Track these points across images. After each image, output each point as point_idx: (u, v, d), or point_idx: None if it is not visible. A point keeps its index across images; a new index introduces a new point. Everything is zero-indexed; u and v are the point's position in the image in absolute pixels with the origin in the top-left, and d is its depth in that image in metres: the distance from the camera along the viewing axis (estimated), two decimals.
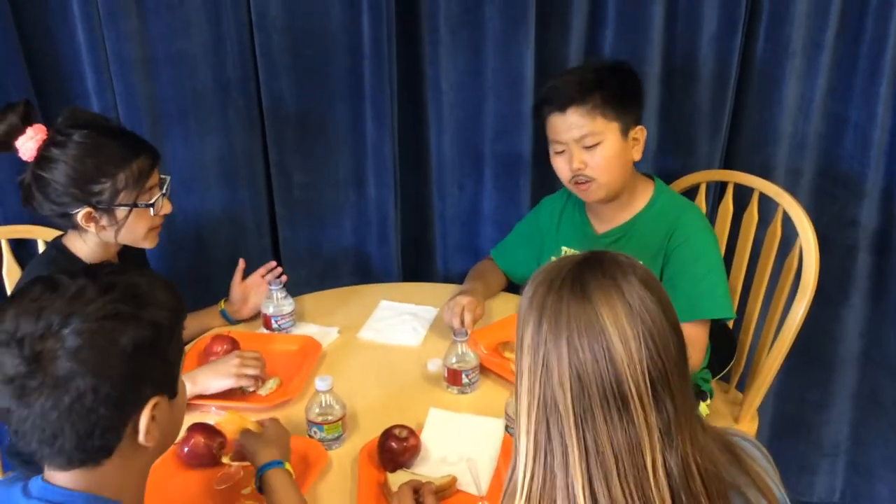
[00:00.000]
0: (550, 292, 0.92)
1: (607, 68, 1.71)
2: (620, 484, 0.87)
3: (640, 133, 1.71)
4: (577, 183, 1.72)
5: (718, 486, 0.92)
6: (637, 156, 1.73)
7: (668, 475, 0.88)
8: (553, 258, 1.01)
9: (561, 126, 1.68)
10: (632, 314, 0.89)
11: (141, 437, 0.97)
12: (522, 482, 0.92)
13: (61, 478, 0.96)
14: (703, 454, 0.91)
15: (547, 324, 0.91)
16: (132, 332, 0.93)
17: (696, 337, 1.66)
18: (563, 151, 1.71)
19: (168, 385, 1.01)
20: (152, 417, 0.97)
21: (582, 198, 1.78)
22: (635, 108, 1.72)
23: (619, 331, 0.88)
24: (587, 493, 0.88)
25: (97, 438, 0.93)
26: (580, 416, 0.88)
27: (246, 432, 1.38)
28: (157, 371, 0.98)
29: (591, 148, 1.67)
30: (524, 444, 0.92)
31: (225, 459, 1.40)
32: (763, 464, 1.00)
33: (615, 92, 1.66)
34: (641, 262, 0.96)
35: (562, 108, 1.67)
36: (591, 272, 0.92)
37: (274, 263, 1.91)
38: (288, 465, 1.30)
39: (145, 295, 0.97)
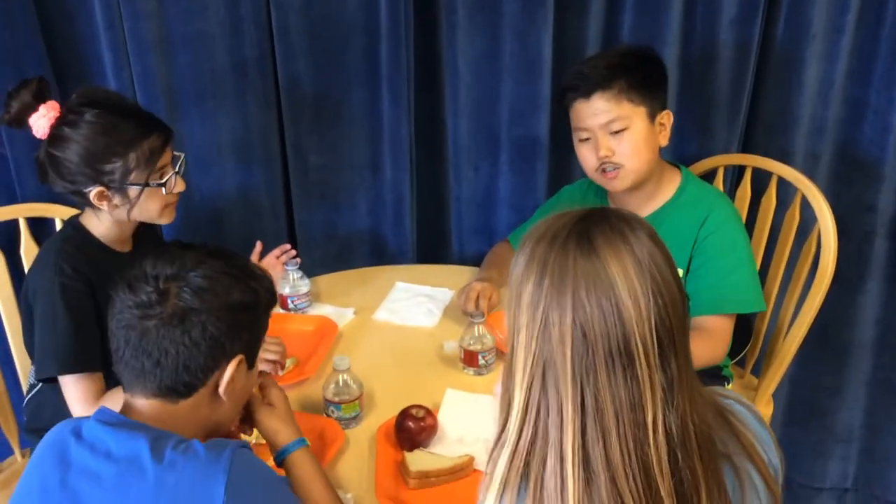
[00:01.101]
0: (553, 247, 0.89)
1: (632, 53, 1.69)
2: (619, 443, 0.86)
3: (666, 118, 1.69)
4: (604, 172, 1.68)
5: (710, 448, 0.91)
6: (664, 141, 1.70)
7: (668, 434, 0.87)
8: None
9: (586, 112, 1.65)
10: (641, 269, 0.87)
11: (221, 388, 1.12)
12: (510, 436, 0.91)
13: (142, 405, 1.10)
14: (699, 415, 0.90)
15: (549, 279, 0.87)
16: (241, 292, 1.12)
17: (720, 330, 1.64)
18: (588, 139, 1.67)
19: (251, 352, 1.16)
20: (232, 376, 1.11)
21: (609, 188, 1.73)
22: (661, 92, 1.69)
23: (629, 286, 0.86)
24: (579, 452, 0.86)
25: (189, 374, 1.08)
26: (580, 374, 0.86)
27: (262, 408, 1.35)
28: (248, 334, 1.14)
29: (618, 134, 1.64)
30: (517, 399, 0.90)
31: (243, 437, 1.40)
32: (755, 428, 0.98)
33: (641, 76, 1.64)
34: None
35: (587, 94, 1.64)
36: (597, 226, 0.89)
37: (289, 246, 1.92)
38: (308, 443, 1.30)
39: (253, 270, 1.17)
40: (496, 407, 0.96)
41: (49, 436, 1.09)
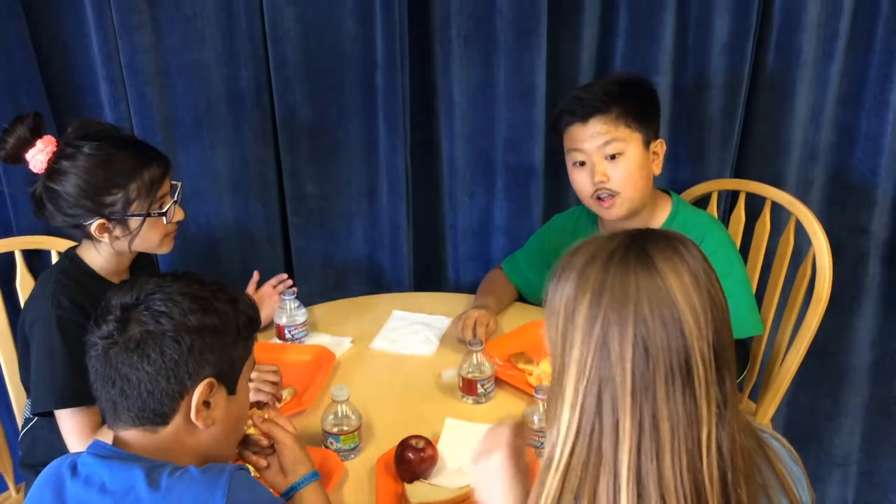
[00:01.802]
0: (610, 265, 0.89)
1: (628, 81, 1.71)
2: (672, 460, 0.86)
3: (659, 147, 1.71)
4: (598, 199, 1.69)
5: (752, 471, 0.92)
6: (657, 170, 1.72)
7: (719, 451, 0.88)
8: None
9: (582, 135, 1.66)
10: (698, 284, 0.89)
11: (192, 413, 1.08)
12: (560, 457, 0.90)
13: (126, 437, 1.09)
14: (744, 435, 0.92)
15: (609, 295, 0.88)
16: (202, 314, 1.08)
17: None
18: (583, 164, 1.68)
19: (227, 379, 1.13)
20: (205, 401, 1.09)
21: (603, 215, 1.74)
22: (655, 121, 1.72)
23: (688, 301, 0.87)
24: (633, 469, 0.87)
25: (154, 400, 1.07)
26: (639, 390, 0.87)
27: (289, 436, 1.30)
28: (217, 358, 1.10)
29: (614, 159, 1.65)
30: (566, 419, 0.90)
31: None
32: (789, 464, 0.99)
33: (637, 103, 1.66)
34: None
35: (584, 118, 1.66)
36: (652, 243, 0.91)
37: (285, 276, 1.92)
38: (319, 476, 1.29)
39: (225, 293, 1.13)
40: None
41: (45, 472, 1.09)
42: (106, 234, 1.50)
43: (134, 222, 1.50)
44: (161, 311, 1.07)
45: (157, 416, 1.08)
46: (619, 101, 1.64)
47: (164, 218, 1.53)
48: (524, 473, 1.09)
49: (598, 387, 0.88)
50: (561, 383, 0.92)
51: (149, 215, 1.51)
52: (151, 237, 1.54)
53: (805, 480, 1.00)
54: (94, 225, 1.48)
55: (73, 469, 1.06)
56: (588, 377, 0.89)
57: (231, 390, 1.14)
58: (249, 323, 1.16)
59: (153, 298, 1.08)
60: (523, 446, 1.11)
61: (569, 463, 0.90)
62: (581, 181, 1.70)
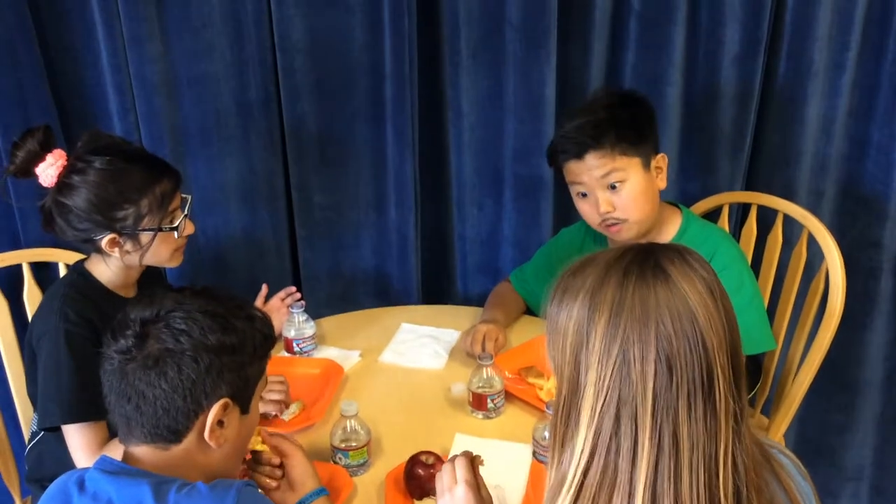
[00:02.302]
0: (629, 280, 0.88)
1: (616, 103, 1.66)
2: (689, 478, 0.85)
3: (661, 161, 1.68)
4: (607, 226, 1.67)
5: (763, 486, 0.91)
6: (662, 184, 1.69)
7: (734, 466, 0.87)
8: None
9: (580, 170, 1.64)
10: (713, 296, 0.88)
11: (206, 433, 1.08)
12: (574, 476, 0.89)
13: (137, 453, 1.09)
14: (755, 450, 0.91)
15: (628, 314, 0.86)
16: (221, 332, 1.08)
17: None
18: (586, 195, 1.66)
19: (241, 398, 1.13)
20: (219, 421, 1.09)
21: (614, 238, 1.72)
22: (652, 136, 1.68)
23: (707, 313, 0.86)
24: (649, 489, 0.86)
25: (169, 418, 1.06)
26: (660, 409, 0.85)
27: (297, 452, 1.31)
28: (234, 377, 1.10)
29: (617, 187, 1.62)
30: (582, 439, 0.89)
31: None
32: (798, 480, 0.97)
33: (630, 126, 1.61)
34: None
35: (578, 155, 1.62)
36: (665, 257, 0.89)
37: (294, 288, 1.90)
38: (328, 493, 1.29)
39: (244, 311, 1.13)
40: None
41: (52, 488, 1.08)
42: (116, 249, 1.49)
43: (145, 237, 1.49)
44: (181, 329, 1.06)
45: (171, 434, 1.08)
46: (611, 130, 1.59)
47: (175, 232, 1.52)
48: (488, 502, 1.17)
49: (617, 408, 0.87)
50: (575, 404, 0.90)
51: (160, 230, 1.50)
52: (162, 251, 1.53)
53: (813, 496, 0.99)
54: (105, 240, 1.47)
55: (81, 485, 1.05)
56: (605, 398, 0.87)
57: (244, 410, 1.14)
58: (265, 341, 1.16)
59: (173, 316, 1.07)
60: (479, 481, 1.19)
61: (582, 483, 0.89)
62: (587, 212, 1.69)
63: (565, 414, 0.91)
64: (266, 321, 1.18)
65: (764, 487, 0.91)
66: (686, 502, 0.85)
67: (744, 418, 0.89)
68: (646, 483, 0.86)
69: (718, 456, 0.86)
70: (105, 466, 1.06)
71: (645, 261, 0.90)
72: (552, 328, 0.93)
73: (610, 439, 0.87)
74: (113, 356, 1.07)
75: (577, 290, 0.91)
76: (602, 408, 0.87)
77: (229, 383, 1.09)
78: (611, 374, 0.87)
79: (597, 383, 0.87)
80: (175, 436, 1.08)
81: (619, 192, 1.63)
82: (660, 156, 1.68)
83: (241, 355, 1.11)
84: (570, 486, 0.90)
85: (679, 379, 0.85)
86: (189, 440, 1.08)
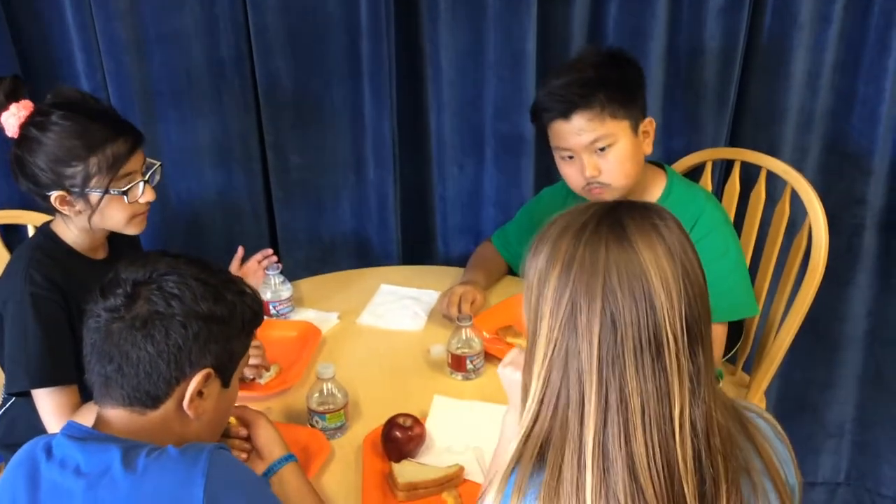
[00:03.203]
0: (582, 235, 0.88)
1: (606, 62, 1.58)
2: (644, 437, 0.85)
3: (649, 125, 1.62)
4: (590, 189, 1.62)
5: (732, 449, 0.90)
6: (648, 149, 1.63)
7: (693, 428, 0.86)
8: None
9: (567, 132, 1.56)
10: (672, 258, 0.86)
11: (185, 402, 1.07)
12: (526, 422, 0.90)
13: (111, 416, 1.07)
14: (721, 413, 0.89)
15: (578, 266, 0.86)
16: (213, 302, 1.07)
17: (714, 337, 1.60)
18: (571, 157, 1.60)
19: (224, 371, 1.11)
20: (199, 391, 1.07)
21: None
22: (641, 100, 1.62)
23: (661, 275, 0.85)
24: (599, 445, 0.85)
25: (150, 382, 1.04)
26: (606, 364, 0.85)
27: (259, 421, 1.29)
28: (219, 348, 1.09)
29: (604, 151, 1.56)
30: (532, 389, 0.90)
31: None
32: (775, 444, 0.97)
33: (620, 87, 1.55)
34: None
35: (565, 114, 1.54)
36: (628, 215, 0.89)
37: (270, 251, 1.87)
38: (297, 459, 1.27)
39: (236, 285, 1.13)
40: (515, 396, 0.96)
41: (19, 455, 1.06)
42: (67, 207, 1.45)
43: (94, 197, 1.45)
44: (173, 293, 1.04)
45: (150, 399, 1.06)
46: (601, 89, 1.52)
47: (125, 197, 1.47)
48: None
49: (565, 360, 0.87)
50: (533, 351, 0.91)
51: (108, 192, 1.45)
52: (115, 216, 1.48)
53: (792, 461, 0.98)
54: (55, 196, 1.44)
55: (48, 451, 1.03)
56: (555, 349, 0.88)
57: (225, 383, 1.13)
58: (253, 318, 1.15)
59: (166, 279, 1.05)
60: None
61: (530, 431, 0.90)
62: (571, 175, 1.63)
63: (528, 366, 0.92)
64: (256, 298, 1.17)
65: (737, 454, 0.90)
66: (642, 462, 0.85)
67: (703, 381, 0.88)
68: (595, 440, 0.85)
69: (673, 417, 0.85)
70: (72, 432, 1.04)
71: (606, 216, 0.89)
72: (525, 280, 0.93)
73: (559, 390, 0.88)
74: (100, 313, 1.05)
75: (543, 243, 0.91)
76: (552, 357, 0.88)
77: (214, 354, 1.08)
78: (560, 325, 0.87)
79: (548, 333, 0.88)
80: (153, 401, 1.06)
81: (606, 155, 1.57)
82: (647, 120, 1.62)
83: (229, 327, 1.10)
84: (519, 434, 0.90)
85: (623, 335, 0.85)
86: (167, 407, 1.07)
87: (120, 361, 1.04)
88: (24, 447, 1.06)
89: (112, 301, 1.05)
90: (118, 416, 1.06)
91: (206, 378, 1.07)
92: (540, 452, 0.89)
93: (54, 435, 1.05)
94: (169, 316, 1.04)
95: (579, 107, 1.54)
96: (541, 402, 0.89)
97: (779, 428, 0.99)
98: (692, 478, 0.86)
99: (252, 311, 1.14)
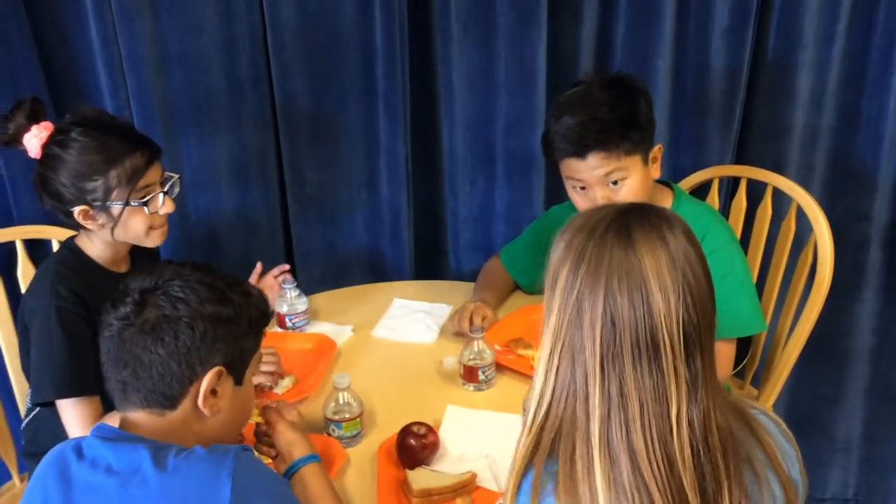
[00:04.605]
0: (593, 236, 0.92)
1: (619, 98, 1.57)
2: (643, 432, 0.89)
3: (658, 152, 1.64)
4: None
5: (732, 447, 0.93)
6: (657, 174, 1.65)
7: (690, 427, 0.90)
8: None
9: (581, 168, 1.57)
10: (674, 267, 0.90)
11: (199, 400, 1.10)
12: (535, 418, 0.94)
13: (134, 418, 1.10)
14: (721, 412, 0.93)
15: (585, 266, 0.91)
16: (217, 303, 1.11)
17: (722, 354, 1.58)
18: (584, 188, 1.61)
19: (235, 369, 1.15)
20: (213, 390, 1.11)
21: None
22: (652, 129, 1.63)
23: (661, 282, 0.89)
24: (604, 439, 0.90)
25: (164, 384, 1.08)
26: (607, 361, 0.90)
27: (281, 421, 1.34)
28: (228, 347, 1.12)
29: (616, 184, 1.57)
30: (541, 382, 0.94)
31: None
32: (781, 442, 0.99)
33: (634, 125, 1.56)
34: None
35: (579, 154, 1.56)
36: (636, 221, 0.93)
37: (287, 267, 1.91)
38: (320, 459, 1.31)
39: (240, 285, 1.16)
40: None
41: (49, 455, 1.09)
42: (90, 222, 1.50)
43: (115, 209, 1.49)
44: (179, 297, 1.09)
45: (166, 400, 1.09)
46: (616, 130, 1.53)
47: (145, 208, 1.51)
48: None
49: (572, 354, 0.92)
50: (542, 345, 0.95)
51: (128, 203, 1.49)
52: (135, 227, 1.52)
53: (797, 458, 1.01)
54: (78, 211, 1.48)
55: (79, 452, 1.07)
56: (562, 343, 0.92)
57: (238, 381, 1.16)
58: (260, 317, 1.19)
59: (172, 285, 1.10)
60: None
61: (542, 425, 0.94)
62: (583, 205, 1.63)
63: (540, 356, 0.96)
64: (262, 298, 1.20)
65: (738, 450, 0.93)
66: (642, 454, 0.89)
67: (701, 383, 0.91)
68: (600, 432, 0.90)
69: (671, 416, 0.89)
70: (103, 433, 1.08)
71: (616, 219, 0.94)
72: (546, 270, 0.98)
73: (567, 384, 0.92)
74: (112, 323, 1.09)
75: (561, 239, 0.97)
76: (560, 353, 0.92)
77: (223, 353, 1.11)
78: (567, 322, 0.92)
79: (556, 328, 0.93)
80: (170, 402, 1.09)
81: (620, 188, 1.58)
82: (657, 147, 1.64)
83: (237, 327, 1.13)
84: (531, 427, 0.94)
85: (622, 336, 0.89)
86: (184, 407, 1.10)
87: (134, 366, 1.08)
88: (54, 449, 1.10)
89: (122, 310, 1.09)
90: (140, 418, 1.10)
91: (218, 376, 1.11)
92: (552, 444, 0.93)
93: (83, 437, 1.09)
94: (176, 318, 1.08)
95: (593, 148, 1.55)
96: (552, 395, 0.93)
97: (783, 426, 1.02)
98: (691, 474, 0.89)
99: (259, 310, 1.18)
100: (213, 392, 1.11)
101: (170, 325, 1.07)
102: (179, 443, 1.08)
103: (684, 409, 0.89)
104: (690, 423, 0.90)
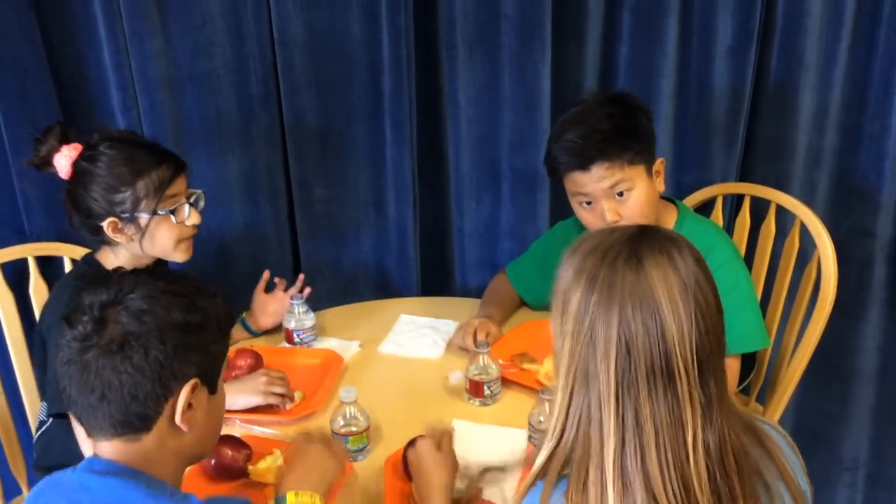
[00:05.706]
0: (604, 262, 0.92)
1: (619, 112, 1.60)
2: (659, 458, 0.88)
3: (660, 165, 1.67)
4: None
5: (747, 466, 0.93)
6: (661, 188, 1.67)
7: (707, 451, 0.90)
8: None
9: (586, 181, 1.59)
10: (686, 291, 0.90)
11: (177, 417, 1.03)
12: (550, 437, 0.94)
13: (106, 449, 1.02)
14: (735, 433, 0.93)
15: (598, 293, 0.91)
16: (185, 311, 1.03)
17: (728, 369, 1.62)
18: (590, 203, 1.63)
19: (208, 377, 1.08)
20: (189, 404, 1.04)
21: None
22: (654, 142, 1.66)
23: (673, 307, 0.89)
24: (618, 467, 0.89)
25: (138, 404, 1.00)
26: (622, 387, 0.89)
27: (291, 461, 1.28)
28: (201, 356, 1.05)
29: (622, 196, 1.59)
30: (558, 402, 0.94)
31: (251, 468, 1.41)
32: (787, 453, 1.00)
33: (635, 136, 1.59)
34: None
35: (583, 166, 1.58)
36: (646, 245, 0.93)
37: (302, 279, 1.92)
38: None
39: (202, 289, 1.09)
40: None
41: (37, 487, 1.05)
42: (119, 234, 1.54)
43: (143, 220, 1.54)
44: (143, 309, 1.00)
45: (141, 422, 1.02)
46: (617, 140, 1.56)
47: (172, 217, 1.55)
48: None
49: (586, 380, 0.92)
50: (557, 368, 0.95)
51: (156, 213, 1.53)
52: (163, 239, 1.57)
53: (802, 469, 1.02)
54: (107, 223, 1.52)
55: (67, 485, 1.01)
56: (577, 368, 0.92)
57: (212, 390, 1.09)
58: (227, 318, 1.13)
59: (132, 297, 1.01)
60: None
61: (556, 445, 0.94)
62: (591, 222, 1.65)
63: (556, 375, 0.97)
64: (225, 298, 1.14)
65: (752, 466, 0.94)
66: (657, 482, 0.89)
67: (716, 406, 0.91)
68: (614, 459, 0.89)
69: (687, 442, 0.89)
70: (94, 468, 1.02)
71: (627, 244, 0.93)
72: (554, 287, 0.98)
73: (581, 408, 0.92)
74: (71, 344, 1.00)
75: (573, 257, 0.96)
76: (574, 376, 0.92)
77: (196, 363, 1.04)
78: (581, 347, 0.92)
79: (570, 352, 0.93)
80: (145, 423, 1.02)
81: (626, 200, 1.60)
82: (659, 160, 1.66)
83: (206, 333, 1.06)
84: (547, 450, 0.94)
85: (637, 362, 0.89)
86: (160, 426, 1.03)
87: (102, 390, 0.99)
88: (42, 482, 1.05)
89: (80, 329, 1.00)
90: (114, 449, 1.02)
91: (194, 389, 1.04)
92: (563, 468, 0.93)
93: (75, 468, 1.03)
94: (144, 333, 0.99)
95: (597, 159, 1.57)
96: (566, 418, 0.93)
97: (789, 438, 1.03)
98: (708, 498, 0.89)
99: (224, 310, 1.11)
100: (188, 406, 1.04)
101: (138, 342, 0.99)
102: (159, 464, 1.03)
103: (700, 433, 0.89)
104: (707, 448, 0.90)
